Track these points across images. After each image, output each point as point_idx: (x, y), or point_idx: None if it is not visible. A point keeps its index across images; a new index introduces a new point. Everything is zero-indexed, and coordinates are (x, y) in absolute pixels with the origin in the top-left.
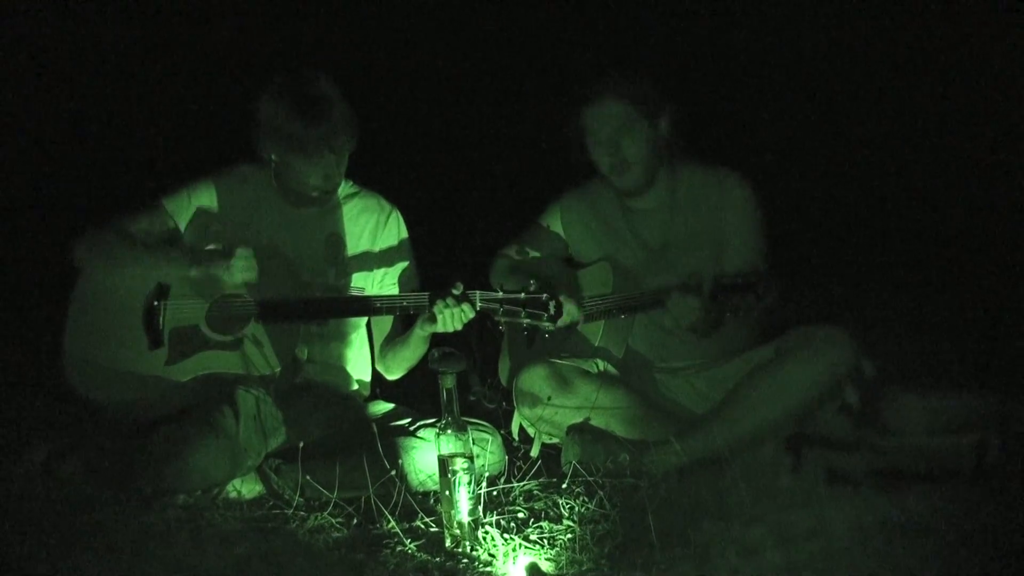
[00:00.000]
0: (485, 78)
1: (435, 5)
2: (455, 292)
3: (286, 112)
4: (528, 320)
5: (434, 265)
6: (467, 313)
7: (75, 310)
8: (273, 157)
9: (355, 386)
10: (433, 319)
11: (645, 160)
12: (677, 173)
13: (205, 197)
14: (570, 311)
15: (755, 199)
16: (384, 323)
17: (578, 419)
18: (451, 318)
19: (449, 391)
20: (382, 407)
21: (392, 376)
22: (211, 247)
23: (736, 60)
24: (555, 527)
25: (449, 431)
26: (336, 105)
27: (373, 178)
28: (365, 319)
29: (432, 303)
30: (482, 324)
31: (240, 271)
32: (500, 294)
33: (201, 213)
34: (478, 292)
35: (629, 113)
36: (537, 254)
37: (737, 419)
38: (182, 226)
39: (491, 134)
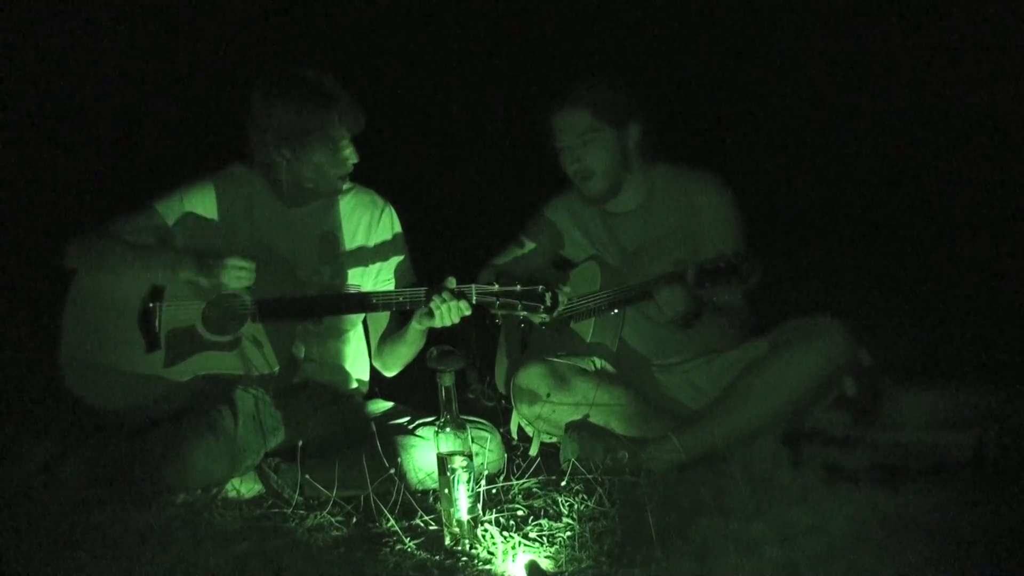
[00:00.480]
0: (478, 74)
1: (436, 3)
2: (449, 286)
3: (299, 107)
4: (525, 312)
5: (429, 261)
6: (463, 308)
7: (71, 313)
8: (287, 156)
9: (354, 384)
10: (430, 314)
11: (607, 169)
12: (653, 176)
13: (197, 199)
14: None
15: (731, 199)
16: (380, 319)
17: (576, 417)
18: (447, 312)
19: (448, 389)
20: (381, 405)
21: (389, 372)
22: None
23: (736, 54)
24: (554, 525)
25: (448, 429)
26: (337, 85)
27: (367, 174)
28: (362, 316)
29: (428, 298)
30: (480, 322)
31: (231, 277)
32: (496, 287)
33: (194, 215)
34: (474, 286)
35: (590, 122)
36: (532, 251)
37: (735, 413)
38: (175, 229)
39: (486, 130)
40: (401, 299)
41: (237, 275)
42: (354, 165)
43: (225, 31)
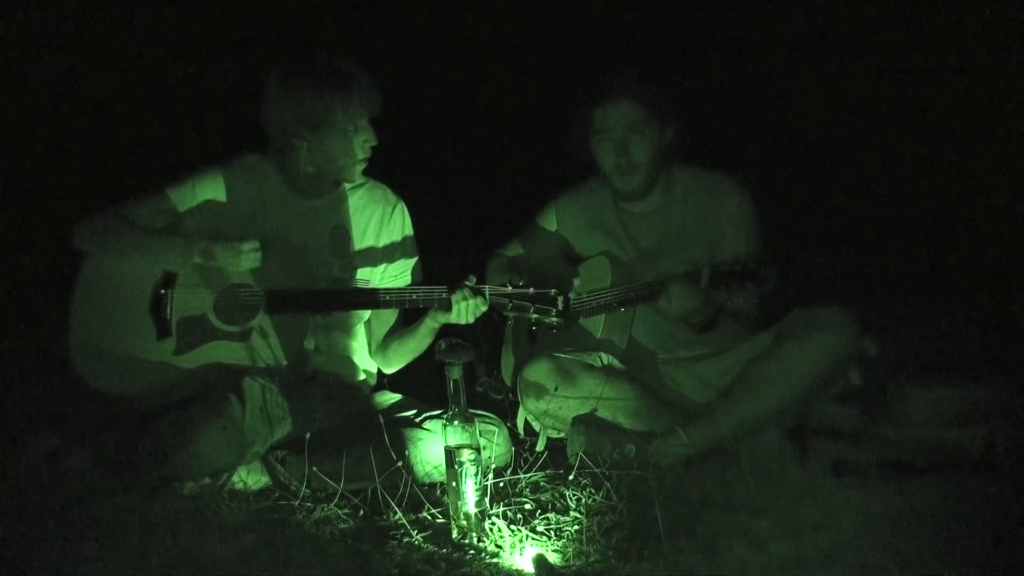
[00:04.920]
0: (490, 72)
1: (443, 2)
2: (470, 284)
3: (317, 89)
4: (537, 315)
5: (437, 259)
6: (481, 306)
7: (81, 298)
8: (307, 139)
9: (362, 376)
10: (447, 309)
11: (649, 164)
12: (673, 177)
13: (210, 188)
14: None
15: (749, 204)
16: (387, 316)
17: (583, 412)
18: (467, 310)
19: (456, 382)
20: (389, 398)
21: (390, 369)
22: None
23: (744, 53)
24: (562, 518)
25: (456, 422)
26: (353, 66)
27: (380, 172)
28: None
29: (451, 294)
30: (488, 316)
31: (247, 260)
32: (509, 288)
33: (206, 204)
34: (487, 286)
35: (642, 115)
36: (534, 251)
37: (742, 405)
38: (186, 217)
39: (495, 130)
40: (414, 297)
41: (249, 256)
42: (372, 148)
43: (242, 22)
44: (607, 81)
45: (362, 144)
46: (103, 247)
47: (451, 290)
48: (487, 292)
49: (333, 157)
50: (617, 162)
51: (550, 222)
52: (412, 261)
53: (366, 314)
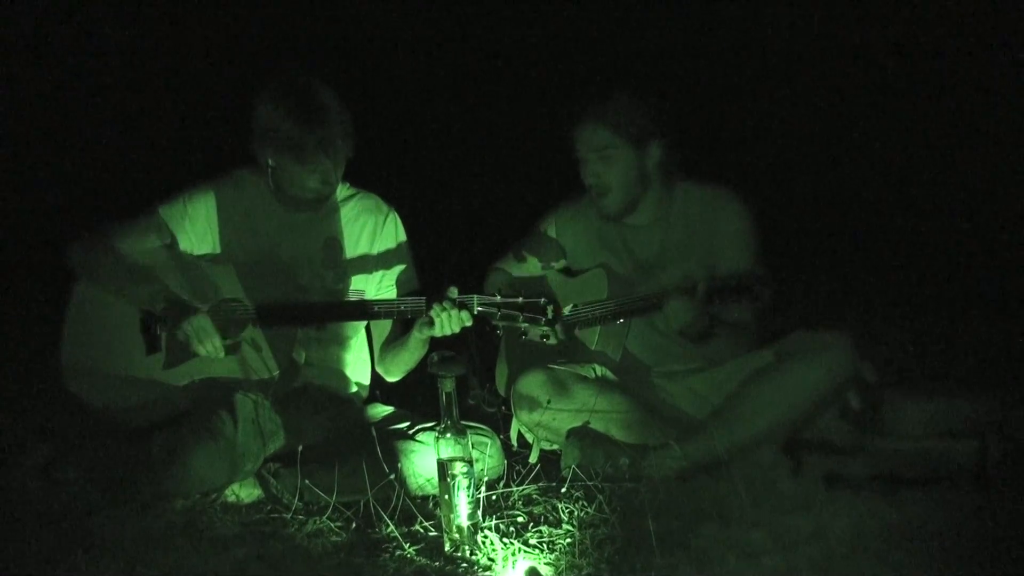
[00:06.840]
0: (486, 81)
1: (442, 9)
2: (451, 296)
3: (284, 116)
4: (526, 324)
5: (432, 268)
6: (464, 319)
7: (73, 315)
8: (270, 161)
9: (354, 389)
10: (430, 323)
11: (624, 187)
12: (672, 191)
13: (202, 204)
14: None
15: (749, 218)
16: (383, 325)
17: (576, 424)
18: (448, 321)
19: (448, 395)
20: (381, 410)
21: (392, 378)
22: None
23: (737, 61)
24: (554, 531)
25: (448, 435)
26: (334, 111)
27: (371, 180)
28: (363, 322)
29: (429, 307)
30: (481, 328)
31: (195, 337)
32: (498, 298)
33: (196, 221)
34: (475, 296)
35: (609, 139)
36: (534, 263)
37: (737, 424)
38: (178, 235)
39: (491, 138)
40: (403, 307)
41: (200, 336)
42: (332, 190)
43: (241, 34)
44: (581, 105)
45: (322, 181)
46: (86, 276)
47: (429, 303)
48: (475, 302)
49: (290, 184)
50: (589, 183)
51: (550, 232)
52: (407, 271)
53: (360, 326)
